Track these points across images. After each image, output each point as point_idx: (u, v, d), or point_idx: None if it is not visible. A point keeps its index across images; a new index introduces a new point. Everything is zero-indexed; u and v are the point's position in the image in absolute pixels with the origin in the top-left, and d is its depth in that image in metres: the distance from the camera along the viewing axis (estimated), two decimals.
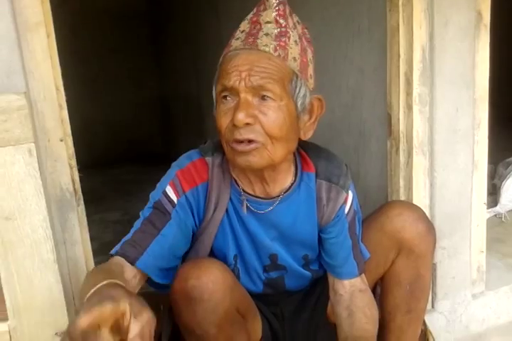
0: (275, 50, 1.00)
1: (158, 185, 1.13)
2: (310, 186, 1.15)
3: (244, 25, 1.06)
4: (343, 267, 1.20)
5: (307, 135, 1.09)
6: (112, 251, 1.05)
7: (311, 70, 1.08)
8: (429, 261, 1.23)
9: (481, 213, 1.61)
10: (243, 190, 1.13)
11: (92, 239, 2.55)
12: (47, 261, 1.01)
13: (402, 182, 1.50)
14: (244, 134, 0.98)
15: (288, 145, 1.04)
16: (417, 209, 1.23)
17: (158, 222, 1.07)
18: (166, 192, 1.09)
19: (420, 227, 1.18)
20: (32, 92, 1.05)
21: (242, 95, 0.98)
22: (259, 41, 1.01)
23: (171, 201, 1.08)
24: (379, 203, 1.64)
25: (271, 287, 1.23)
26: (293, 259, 1.21)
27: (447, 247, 1.56)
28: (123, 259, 1.02)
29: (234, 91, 0.99)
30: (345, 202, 1.17)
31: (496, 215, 2.44)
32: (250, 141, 0.99)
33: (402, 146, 1.48)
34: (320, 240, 1.21)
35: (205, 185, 1.11)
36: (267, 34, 1.01)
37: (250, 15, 1.07)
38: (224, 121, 1.01)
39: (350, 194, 1.18)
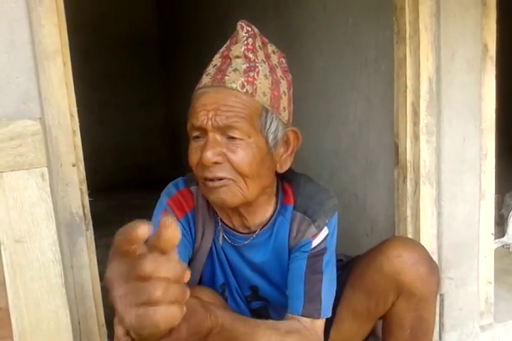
0: (242, 86, 1.00)
1: (153, 218, 1.13)
2: (286, 218, 1.13)
3: (216, 60, 1.06)
4: (289, 298, 1.10)
5: (284, 167, 1.08)
6: None
7: (284, 103, 1.06)
8: (431, 303, 1.18)
9: (488, 243, 1.60)
10: (221, 220, 1.13)
11: (97, 263, 2.57)
12: (55, 285, 1.01)
13: (409, 212, 1.50)
14: (213, 172, 0.99)
15: (261, 181, 1.03)
16: (417, 249, 1.17)
17: None
18: None
19: (421, 270, 1.12)
20: (47, 118, 1.08)
21: (210, 134, 0.99)
22: (226, 78, 1.00)
23: None
24: (386, 232, 1.65)
25: (258, 316, 1.19)
26: (276, 291, 1.17)
27: (455, 278, 1.54)
28: None
29: (202, 130, 1.00)
30: (314, 237, 1.10)
31: (503, 246, 2.43)
32: (220, 179, 1.00)
33: (410, 175, 1.48)
34: None
35: (192, 212, 1.12)
36: (235, 70, 1.01)
37: (223, 49, 1.07)
38: (195, 159, 1.02)
39: (324, 232, 1.11)
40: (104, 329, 1.20)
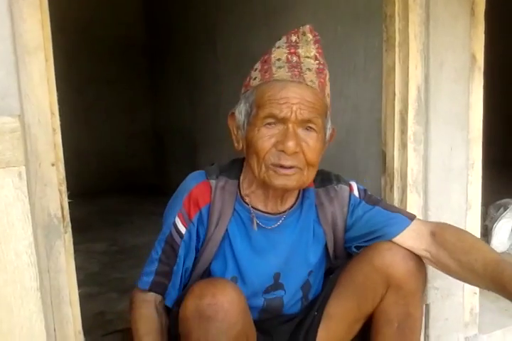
0: (319, 86, 1.10)
1: (167, 212, 1.20)
2: (310, 199, 1.23)
3: (280, 54, 1.12)
4: (387, 225, 1.19)
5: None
6: (142, 286, 1.19)
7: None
8: (418, 299, 1.20)
9: None
10: (253, 207, 1.19)
11: (77, 269, 2.50)
12: (29, 289, 0.96)
13: None
14: (290, 161, 1.08)
15: (316, 170, 1.15)
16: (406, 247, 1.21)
17: (171, 257, 1.17)
18: (176, 224, 1.17)
19: (410, 264, 1.16)
20: (26, 115, 1.04)
21: (291, 125, 1.07)
22: (305, 76, 1.09)
23: (179, 232, 1.17)
24: None
25: (268, 310, 1.22)
26: (295, 276, 1.22)
27: (440, 288, 1.53)
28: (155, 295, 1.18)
29: (282, 121, 1.07)
30: (350, 190, 1.25)
31: None
32: (291, 167, 1.08)
33: (397, 184, 1.47)
34: (348, 241, 1.25)
35: (207, 207, 1.16)
36: (308, 69, 1.10)
37: (284, 45, 1.13)
38: (267, 145, 1.08)
39: (353, 183, 1.26)
40: (82, 337, 1.16)
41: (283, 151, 1.07)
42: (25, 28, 1.04)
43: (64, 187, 1.11)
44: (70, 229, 1.13)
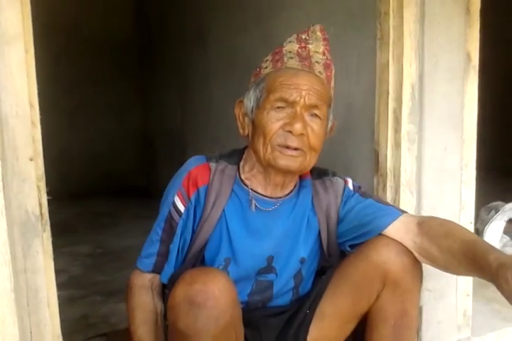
0: (326, 78, 1.17)
1: (166, 193, 1.23)
2: (307, 188, 1.26)
3: (291, 47, 1.19)
4: (379, 216, 1.19)
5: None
6: (144, 268, 1.20)
7: None
8: (415, 296, 1.17)
9: None
10: (252, 189, 1.21)
11: (60, 271, 2.44)
12: (2, 290, 0.91)
13: None
14: (296, 142, 1.12)
15: (317, 156, 1.19)
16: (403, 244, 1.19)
17: (171, 236, 1.20)
18: (175, 203, 1.19)
19: (406, 260, 1.14)
20: (4, 107, 1.00)
21: (299, 109, 1.12)
22: (314, 67, 1.16)
23: (178, 211, 1.19)
24: None
25: (256, 293, 1.21)
26: (287, 263, 1.22)
27: (433, 289, 1.49)
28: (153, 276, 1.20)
29: (291, 104, 1.12)
30: (345, 183, 1.28)
31: None
32: (296, 149, 1.13)
33: (390, 183, 1.44)
34: (342, 232, 1.25)
35: (205, 187, 1.19)
36: (317, 62, 1.17)
37: (295, 40, 1.20)
38: (275, 126, 1.13)
39: (348, 178, 1.30)
40: (60, 340, 1.10)
41: (290, 132, 1.11)
42: (4, 17, 1.01)
43: (43, 184, 1.07)
44: (48, 228, 1.08)
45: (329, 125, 1.21)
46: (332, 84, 1.21)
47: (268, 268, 1.22)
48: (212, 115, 3.09)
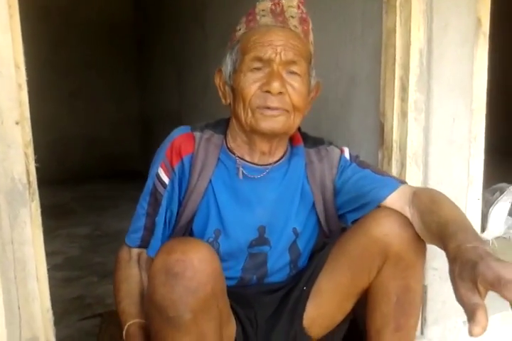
0: (302, 32, 1.10)
1: (151, 166, 1.19)
2: (299, 156, 1.20)
3: (264, 5, 1.11)
4: (377, 187, 1.13)
5: (307, 110, 1.17)
6: (131, 244, 1.18)
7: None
8: (419, 271, 1.10)
9: None
10: (239, 157, 1.16)
11: (57, 253, 2.39)
12: None
13: None
14: (276, 102, 1.06)
15: (302, 116, 1.13)
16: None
17: (156, 209, 1.16)
18: (159, 175, 1.15)
19: (410, 232, 1.05)
20: None
21: (275, 67, 1.06)
22: (289, 22, 1.09)
23: (163, 183, 1.15)
24: None
25: (250, 267, 1.16)
26: (280, 233, 1.17)
27: (439, 268, 1.44)
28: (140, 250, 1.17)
29: (267, 63, 1.07)
30: (341, 152, 1.22)
31: None
32: (277, 108, 1.07)
33: (395, 156, 1.38)
34: (342, 203, 1.19)
35: (189, 156, 1.14)
36: (292, 17, 1.10)
37: None
38: (253, 88, 1.07)
39: (344, 147, 1.24)
40: (50, 315, 1.05)
41: (268, 92, 1.05)
42: None
43: (30, 150, 1.00)
44: (37, 197, 1.02)
45: (312, 83, 1.15)
46: (311, 38, 1.14)
47: (260, 240, 1.17)
48: (209, 95, 3.01)
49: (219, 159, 1.16)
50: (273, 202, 1.17)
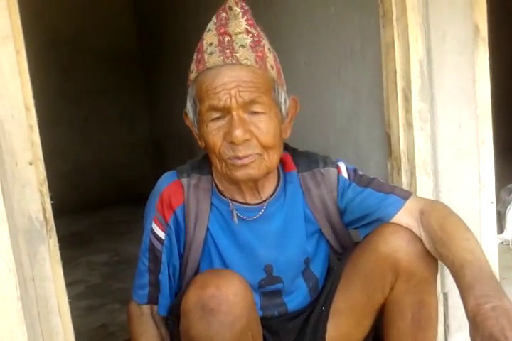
0: (256, 62, 1.01)
1: (144, 220, 1.15)
2: (294, 183, 1.15)
3: (211, 38, 1.03)
4: (381, 207, 1.10)
5: (287, 135, 1.11)
6: (140, 301, 1.15)
7: (282, 73, 1.10)
8: (432, 285, 1.09)
9: (491, 236, 1.49)
10: (231, 200, 1.12)
11: (78, 281, 2.41)
12: (9, 299, 0.87)
13: None
14: (243, 150, 1.00)
15: (280, 149, 1.08)
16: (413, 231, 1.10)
17: (158, 265, 1.12)
18: (154, 231, 1.12)
19: (419, 247, 1.05)
20: None
21: (234, 113, 0.99)
22: (238, 55, 1.00)
23: (159, 239, 1.11)
24: None
25: (268, 306, 1.15)
26: (290, 266, 1.14)
27: None
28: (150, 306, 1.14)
29: (225, 110, 1.00)
30: (339, 172, 1.16)
31: (502, 242, 2.33)
32: (247, 156, 1.01)
33: (404, 166, 1.38)
34: (347, 221, 1.17)
35: (181, 207, 1.10)
36: (242, 46, 1.01)
37: (214, 26, 1.04)
38: (217, 140, 1.01)
39: (341, 164, 1.18)
40: None
41: (233, 143, 0.99)
42: None
43: (45, 188, 1.03)
44: (54, 234, 1.04)
45: (284, 107, 1.07)
46: (270, 62, 1.04)
47: (270, 279, 1.14)
48: None
49: (212, 204, 1.11)
50: (277, 237, 1.13)
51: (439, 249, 1.00)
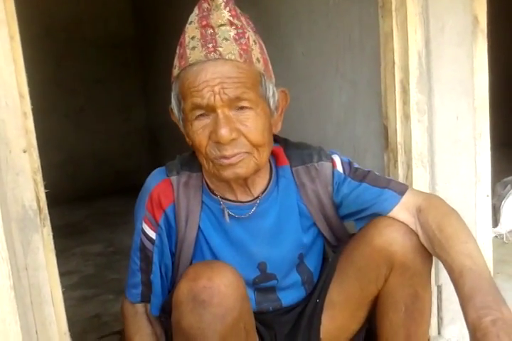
0: (240, 55, 0.97)
1: (135, 219, 1.13)
2: (287, 177, 1.13)
3: (193, 31, 0.99)
4: (377, 203, 1.09)
5: (277, 128, 1.08)
6: (133, 299, 1.14)
7: (270, 66, 1.06)
8: (426, 279, 1.09)
9: (486, 229, 1.50)
10: (222, 198, 1.10)
11: (72, 272, 2.41)
12: (1, 288, 0.86)
13: None
14: (230, 150, 0.97)
15: (270, 146, 1.04)
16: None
17: (149, 265, 1.11)
18: (144, 231, 1.10)
19: (414, 239, 1.04)
20: None
21: (219, 110, 0.96)
22: (221, 49, 0.96)
23: (150, 238, 1.10)
24: None
25: (263, 302, 1.14)
26: (284, 263, 1.13)
27: None
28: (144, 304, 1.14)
29: (209, 108, 0.96)
30: (333, 166, 1.13)
31: (496, 236, 2.33)
32: (235, 155, 0.98)
33: (401, 159, 1.38)
34: (342, 214, 1.16)
35: (172, 206, 1.08)
36: (225, 39, 0.97)
37: (196, 18, 1.00)
38: (203, 139, 0.98)
39: (335, 157, 1.15)
40: (67, 337, 1.06)
41: (219, 142, 0.96)
42: None
43: (39, 177, 1.02)
44: (48, 223, 1.03)
45: (273, 100, 1.03)
46: (255, 54, 0.99)
47: (264, 276, 1.13)
48: None
49: (203, 202, 1.09)
50: (271, 234, 1.11)
51: (437, 251, 0.99)
